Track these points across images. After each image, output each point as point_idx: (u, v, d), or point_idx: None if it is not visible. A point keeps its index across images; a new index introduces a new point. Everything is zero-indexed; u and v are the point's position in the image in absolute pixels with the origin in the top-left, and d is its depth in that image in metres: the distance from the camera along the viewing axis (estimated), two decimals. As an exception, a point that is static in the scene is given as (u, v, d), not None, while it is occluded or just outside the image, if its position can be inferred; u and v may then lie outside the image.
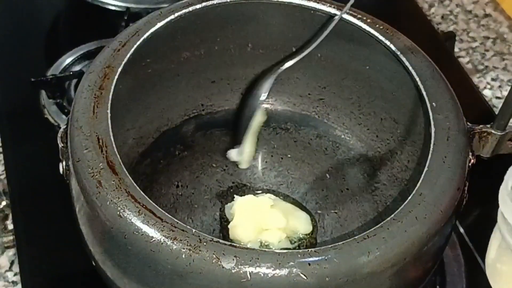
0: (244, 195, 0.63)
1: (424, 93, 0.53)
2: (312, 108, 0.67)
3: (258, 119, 0.63)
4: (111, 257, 0.48)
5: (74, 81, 0.75)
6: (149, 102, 0.61)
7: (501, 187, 0.43)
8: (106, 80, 0.52)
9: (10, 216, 0.66)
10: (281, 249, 0.58)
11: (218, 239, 0.43)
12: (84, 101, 0.51)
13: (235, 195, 0.62)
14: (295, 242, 0.60)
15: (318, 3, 0.60)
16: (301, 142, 0.67)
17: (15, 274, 0.63)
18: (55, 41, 0.85)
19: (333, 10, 0.59)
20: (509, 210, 0.41)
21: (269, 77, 0.61)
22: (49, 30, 0.86)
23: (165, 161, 0.64)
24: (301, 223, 0.62)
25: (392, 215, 0.46)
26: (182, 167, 0.65)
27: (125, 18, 0.81)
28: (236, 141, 0.64)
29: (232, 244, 0.43)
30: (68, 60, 0.78)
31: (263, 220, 0.59)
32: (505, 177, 0.43)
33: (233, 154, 0.64)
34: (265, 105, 0.68)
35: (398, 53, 0.56)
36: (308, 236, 0.61)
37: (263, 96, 0.61)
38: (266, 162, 0.67)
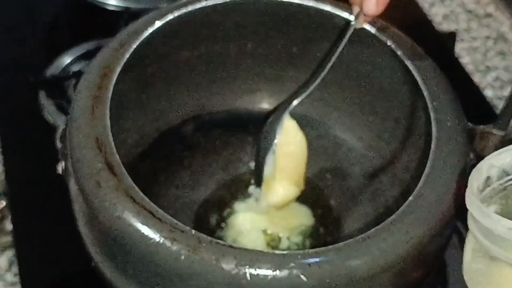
0: (244, 196, 0.63)
1: (425, 93, 0.53)
2: (313, 108, 0.67)
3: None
4: (110, 258, 0.48)
5: (73, 81, 0.75)
6: (148, 102, 0.61)
7: (467, 190, 0.44)
8: (105, 80, 0.52)
9: (9, 217, 0.66)
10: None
11: (217, 240, 0.43)
12: (83, 101, 0.51)
13: (234, 204, 0.62)
14: (307, 236, 0.61)
15: (318, 2, 0.59)
16: (301, 143, 0.67)
17: (14, 275, 0.63)
18: (54, 41, 0.85)
19: (333, 10, 0.59)
20: (476, 209, 0.42)
21: (280, 115, 0.58)
22: (48, 29, 0.86)
23: (165, 161, 0.63)
24: (303, 218, 0.62)
25: (393, 216, 0.46)
26: (181, 167, 0.64)
27: (125, 18, 0.81)
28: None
29: (232, 245, 0.43)
30: (67, 60, 0.78)
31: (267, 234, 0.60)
32: (469, 179, 0.44)
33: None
34: (265, 105, 0.68)
35: (399, 52, 0.56)
36: (313, 228, 0.61)
37: (276, 140, 0.58)
38: (266, 162, 0.66)
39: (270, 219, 0.60)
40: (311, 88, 0.57)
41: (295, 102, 0.58)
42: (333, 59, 0.56)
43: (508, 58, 0.88)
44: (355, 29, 0.56)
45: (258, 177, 0.60)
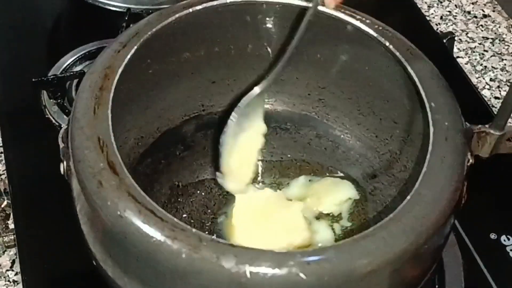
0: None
1: (423, 93, 0.53)
2: (312, 108, 0.67)
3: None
4: (111, 257, 0.48)
5: (75, 81, 0.75)
6: (149, 103, 0.62)
7: None
8: (106, 81, 0.52)
9: (11, 216, 0.66)
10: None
11: (218, 239, 0.43)
12: (85, 102, 0.51)
13: None
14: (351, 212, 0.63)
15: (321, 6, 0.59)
16: (301, 142, 0.67)
17: (16, 274, 0.63)
18: (56, 42, 0.85)
19: (332, 11, 0.59)
20: None
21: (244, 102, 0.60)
22: (50, 30, 0.86)
23: (166, 161, 0.64)
24: (348, 192, 0.63)
25: (391, 215, 0.46)
26: (182, 167, 0.65)
27: (126, 18, 0.81)
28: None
29: (232, 243, 0.43)
30: (69, 61, 0.78)
31: None
32: None
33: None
34: (265, 105, 0.68)
35: (397, 53, 0.56)
36: (358, 202, 0.63)
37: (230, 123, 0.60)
38: (266, 162, 0.67)
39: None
40: (275, 72, 0.59)
41: (257, 90, 0.60)
42: (296, 40, 0.57)
43: (506, 58, 0.88)
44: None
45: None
